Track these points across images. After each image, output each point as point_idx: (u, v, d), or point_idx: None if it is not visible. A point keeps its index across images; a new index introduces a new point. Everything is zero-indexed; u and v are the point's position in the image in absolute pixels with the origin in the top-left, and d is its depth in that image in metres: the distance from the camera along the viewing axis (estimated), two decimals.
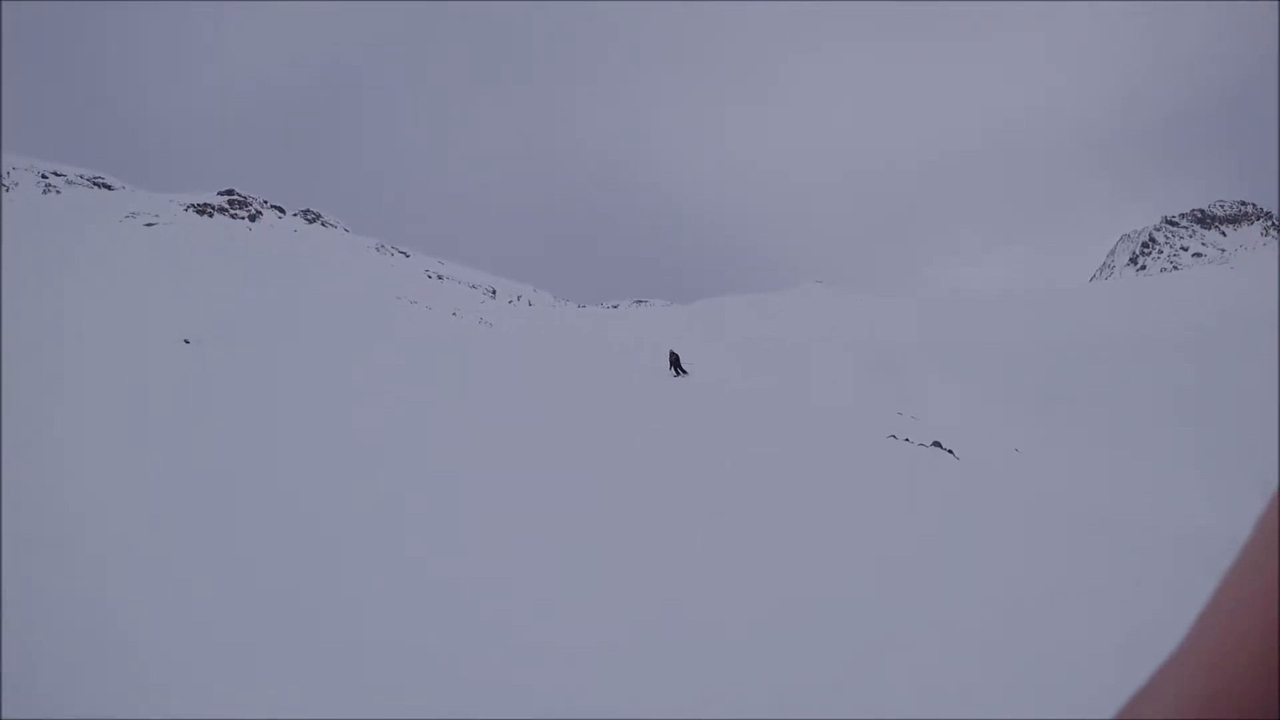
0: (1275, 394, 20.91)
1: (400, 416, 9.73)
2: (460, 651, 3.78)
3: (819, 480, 9.56)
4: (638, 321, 52.71)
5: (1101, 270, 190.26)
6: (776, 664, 4.00)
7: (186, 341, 13.14)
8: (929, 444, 14.75)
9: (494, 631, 4.07)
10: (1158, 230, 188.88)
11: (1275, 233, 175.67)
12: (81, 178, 73.20)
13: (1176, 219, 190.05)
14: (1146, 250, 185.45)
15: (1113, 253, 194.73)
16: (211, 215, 69.98)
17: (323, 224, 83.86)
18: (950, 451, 14.20)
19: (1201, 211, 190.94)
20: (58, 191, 68.14)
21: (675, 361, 23.68)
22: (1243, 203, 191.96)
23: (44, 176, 70.22)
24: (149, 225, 55.88)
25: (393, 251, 79.08)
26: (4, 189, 62.27)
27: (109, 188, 73.67)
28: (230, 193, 76.76)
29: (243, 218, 73.44)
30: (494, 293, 73.49)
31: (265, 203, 79.87)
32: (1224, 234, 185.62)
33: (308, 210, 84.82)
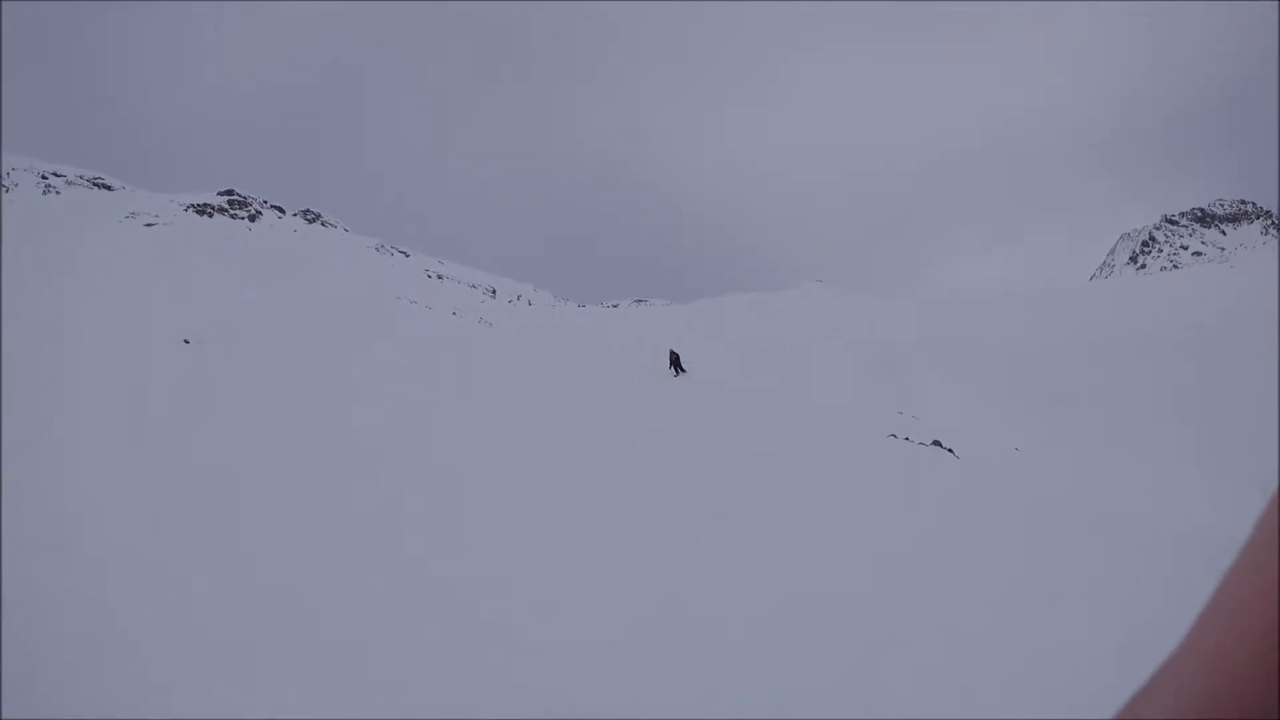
0: (1275, 393, 20.91)
1: (400, 416, 9.73)
2: (460, 651, 3.78)
3: (819, 480, 9.56)
4: (638, 321, 52.72)
5: (1101, 269, 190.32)
6: (776, 664, 4.00)
7: (186, 341, 13.14)
8: (929, 443, 14.75)
9: (494, 631, 4.07)
10: (1158, 229, 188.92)
11: (1275, 231, 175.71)
12: (81, 178, 73.22)
13: (1176, 218, 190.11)
14: (1146, 249, 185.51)
15: (1113, 251, 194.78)
16: (211, 215, 70.00)
17: (323, 224, 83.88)
18: (950, 450, 14.20)
19: (1201, 210, 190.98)
20: (57, 192, 68.14)
21: (675, 361, 23.71)
22: (1243, 201, 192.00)
23: (44, 177, 70.23)
24: (149, 225, 55.89)
25: (393, 251, 79.10)
26: (4, 189, 62.26)
27: (109, 188, 73.68)
28: (230, 193, 76.79)
29: (242, 218, 73.46)
30: (494, 292, 73.51)
31: (265, 203, 79.90)
32: (1224, 233, 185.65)
33: (308, 210, 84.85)
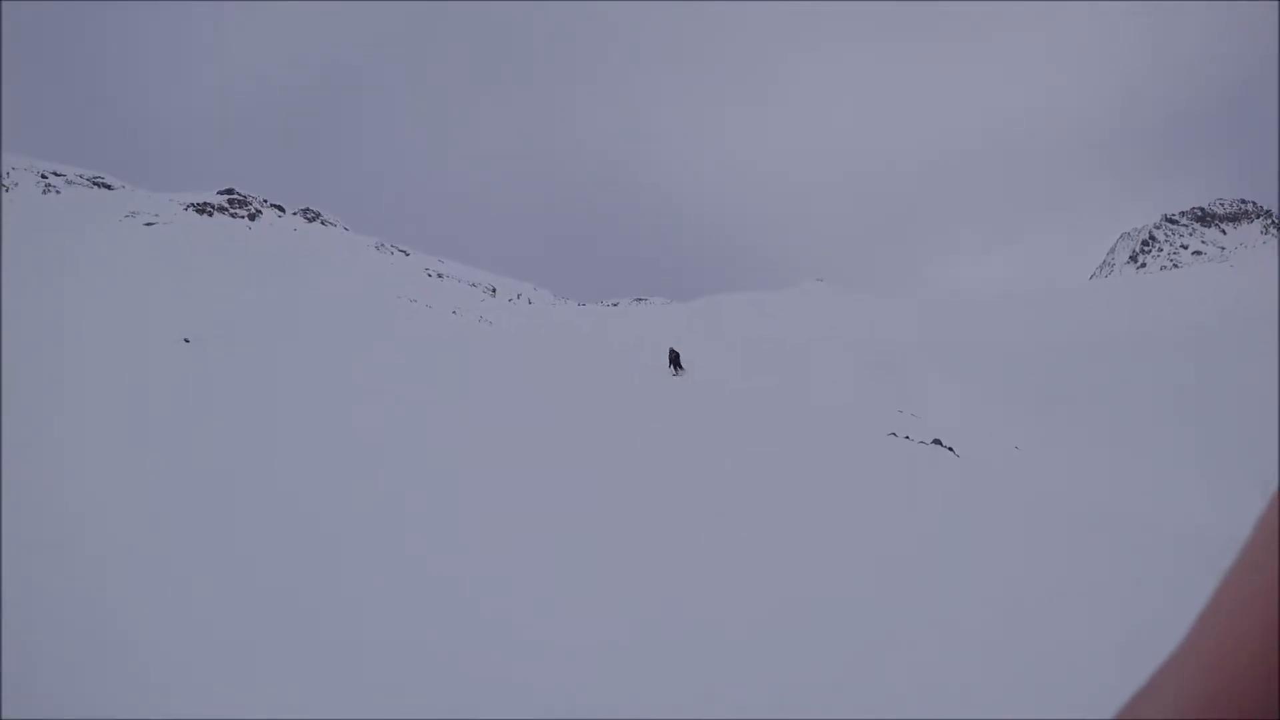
0: (1275, 393, 20.91)
1: (400, 416, 9.72)
2: (460, 651, 3.78)
3: (819, 480, 9.56)
4: (638, 320, 52.71)
5: (1102, 268, 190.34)
6: (776, 664, 4.00)
7: (187, 341, 13.14)
8: (929, 442, 14.76)
9: (494, 631, 4.07)
10: (1158, 228, 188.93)
11: (1275, 231, 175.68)
12: (81, 177, 73.22)
13: (1176, 217, 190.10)
14: (1147, 248, 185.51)
15: (1113, 251, 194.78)
16: (211, 214, 70.01)
17: (322, 223, 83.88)
18: (950, 449, 14.20)
19: (1201, 209, 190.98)
20: (57, 191, 68.13)
21: (675, 359, 23.72)
22: (1243, 201, 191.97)
23: (44, 176, 70.23)
24: (149, 225, 55.91)
25: (393, 250, 79.11)
26: (4, 189, 62.26)
27: (109, 187, 73.68)
28: (230, 192, 76.79)
29: (242, 217, 73.46)
30: (494, 291, 73.52)
31: (265, 202, 79.89)
32: (1224, 232, 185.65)
33: (307, 209, 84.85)
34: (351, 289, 37.96)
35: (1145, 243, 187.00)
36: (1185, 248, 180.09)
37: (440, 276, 70.44)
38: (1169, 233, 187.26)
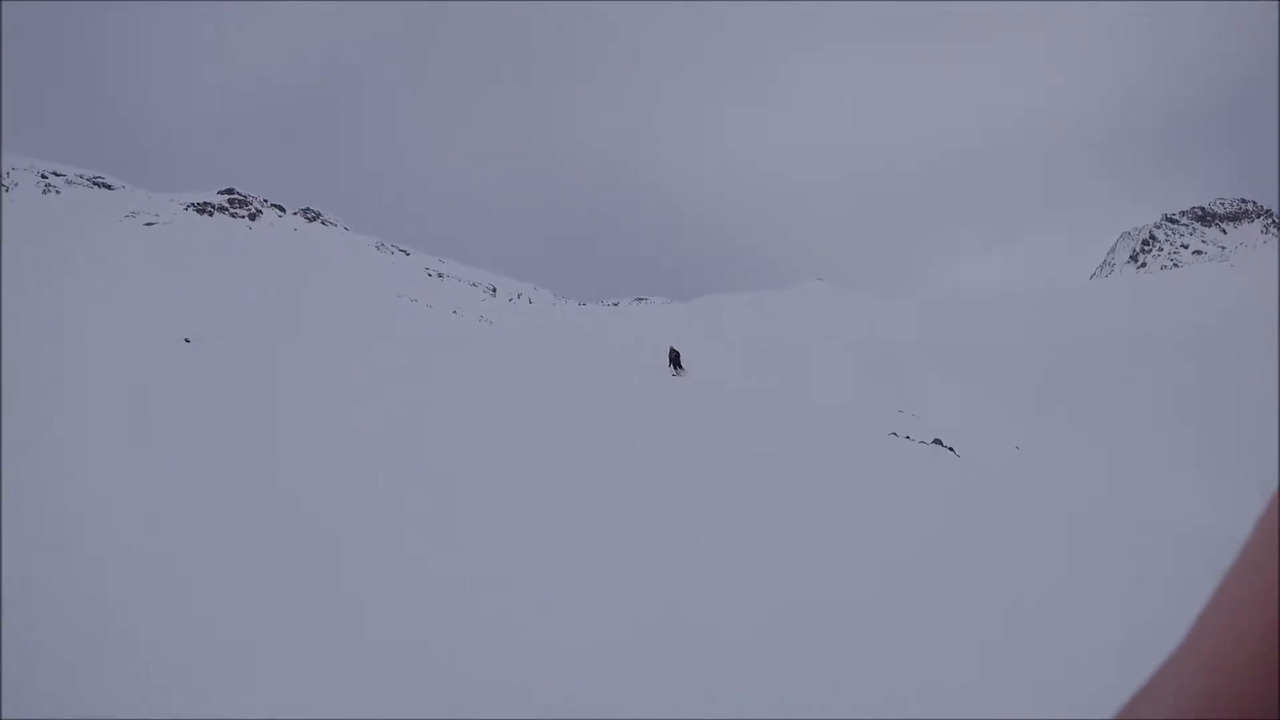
0: (1275, 393, 20.90)
1: (400, 416, 9.73)
2: (460, 651, 3.78)
3: (819, 480, 9.56)
4: (638, 319, 52.72)
5: (1102, 268, 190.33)
6: (776, 664, 4.00)
7: (187, 341, 13.14)
8: (929, 441, 14.76)
9: (494, 631, 4.07)
10: (1158, 228, 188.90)
11: (1275, 230, 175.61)
12: (81, 178, 73.22)
13: (1177, 216, 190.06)
14: (1147, 247, 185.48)
15: (1113, 250, 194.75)
16: (211, 214, 70.02)
17: (323, 223, 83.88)
18: (950, 449, 14.20)
19: (1202, 209, 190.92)
20: (57, 191, 68.13)
21: (675, 359, 23.71)
22: (1243, 200, 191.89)
23: (44, 176, 70.24)
24: (149, 225, 55.94)
25: (393, 250, 79.10)
26: (4, 189, 62.27)
27: (109, 187, 73.67)
28: (230, 192, 76.79)
29: (243, 217, 73.46)
30: (494, 291, 73.53)
31: (265, 201, 79.90)
32: (1224, 231, 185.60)
33: (308, 209, 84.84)
34: (352, 289, 37.97)
35: (1146, 242, 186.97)
36: (1186, 247, 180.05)
37: (440, 276, 70.44)
38: (1169, 232, 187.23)
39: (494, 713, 3.27)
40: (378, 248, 77.68)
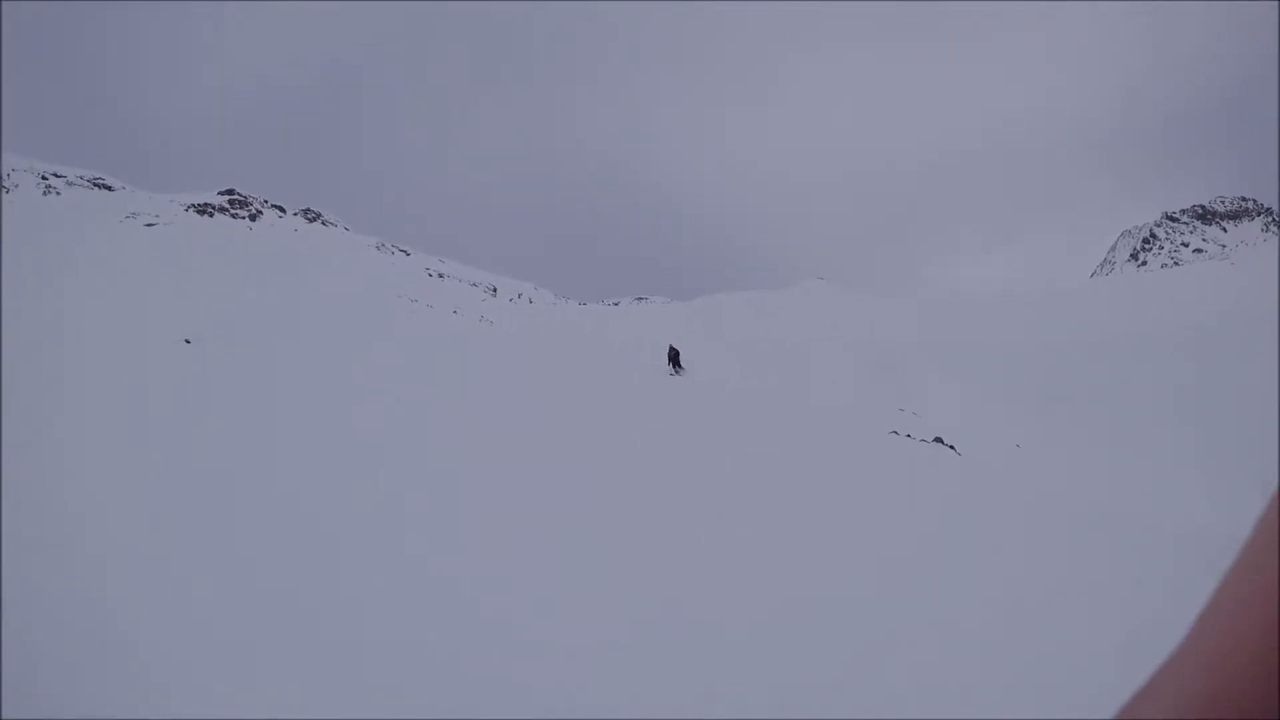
0: (1276, 393, 20.90)
1: (400, 416, 9.73)
2: (460, 651, 3.78)
3: (819, 480, 9.56)
4: (638, 319, 52.69)
5: (1102, 266, 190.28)
6: (776, 664, 4.00)
7: (187, 341, 13.14)
8: (930, 440, 14.76)
9: (494, 631, 4.07)
10: (1158, 226, 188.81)
11: (1276, 228, 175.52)
12: (81, 179, 73.23)
13: (1177, 215, 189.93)
14: (1147, 246, 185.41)
15: (1113, 249, 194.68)
16: (212, 215, 70.02)
17: (323, 223, 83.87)
18: (952, 447, 14.20)
19: (1202, 207, 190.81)
20: (57, 193, 68.14)
21: (674, 358, 23.66)
22: (1243, 198, 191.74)
23: (44, 178, 70.24)
24: (149, 225, 55.95)
25: (393, 250, 79.10)
26: (4, 190, 62.27)
27: (109, 188, 73.68)
28: (230, 192, 76.80)
29: (243, 217, 73.47)
30: (495, 291, 73.51)
31: (265, 202, 79.90)
32: (1224, 229, 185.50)
33: (308, 209, 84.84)
34: (352, 289, 37.97)
35: (1146, 240, 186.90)
36: (1186, 245, 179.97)
37: (441, 276, 70.44)
38: (1170, 230, 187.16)
39: (494, 713, 3.27)
40: (378, 248, 77.67)
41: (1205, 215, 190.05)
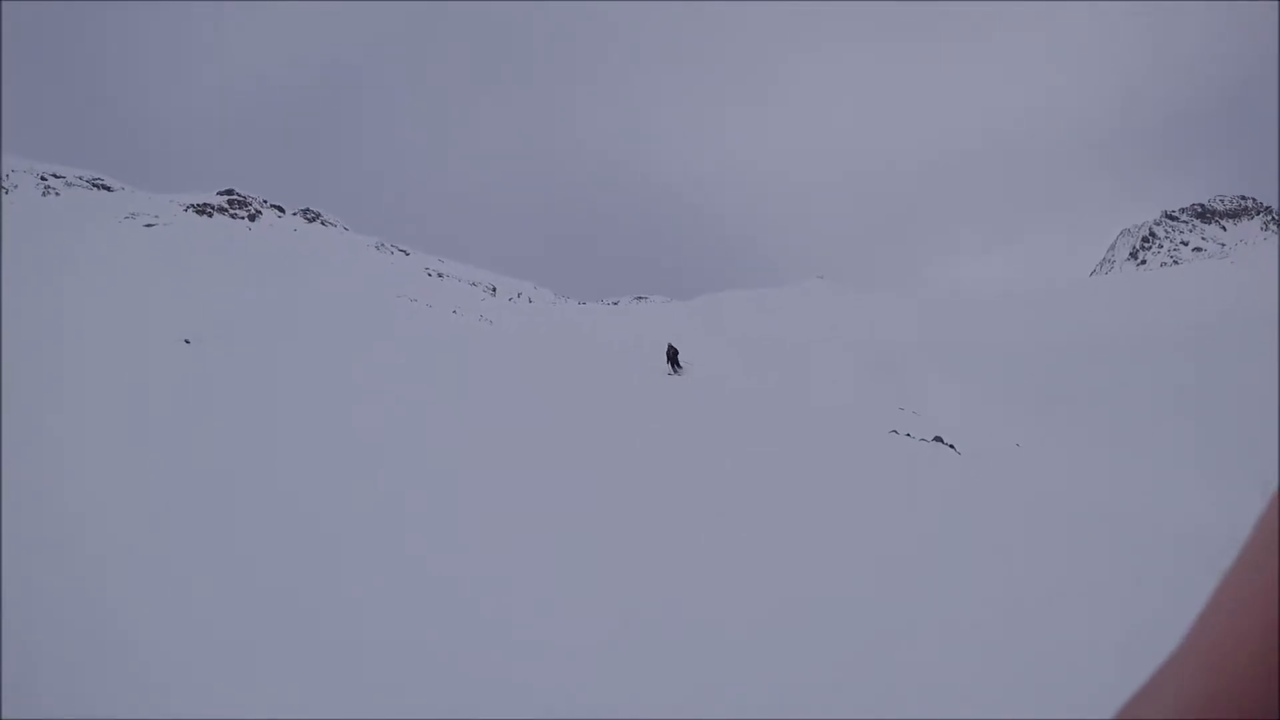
0: (1276, 393, 20.90)
1: (400, 416, 9.73)
2: (460, 651, 3.78)
3: (819, 480, 9.56)
4: (638, 318, 52.64)
5: (1102, 265, 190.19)
6: (776, 664, 4.00)
7: (187, 341, 13.14)
8: (930, 439, 14.77)
9: (494, 631, 4.07)
10: (1158, 225, 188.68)
11: (1275, 227, 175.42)
12: (81, 179, 73.17)
13: (1176, 213, 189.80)
14: (1147, 245, 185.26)
15: (1113, 247, 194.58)
16: (211, 215, 69.97)
17: (322, 223, 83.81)
18: (952, 446, 14.20)
19: (1201, 206, 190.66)
20: (57, 193, 68.09)
21: (673, 357, 23.54)
22: (1243, 197, 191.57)
23: (43, 179, 70.17)
24: (149, 226, 55.92)
25: (393, 250, 79.04)
26: (4, 191, 62.26)
27: (108, 189, 73.64)
28: (230, 192, 76.74)
29: (242, 217, 73.42)
30: (494, 290, 73.45)
31: (265, 202, 79.83)
32: (1224, 228, 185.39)
33: (307, 209, 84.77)
34: (351, 289, 37.96)
35: (1145, 239, 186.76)
36: (1185, 244, 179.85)
37: (440, 276, 70.39)
38: (1169, 229, 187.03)
39: (494, 713, 3.27)
40: (377, 248, 77.61)
41: (1205, 214, 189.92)
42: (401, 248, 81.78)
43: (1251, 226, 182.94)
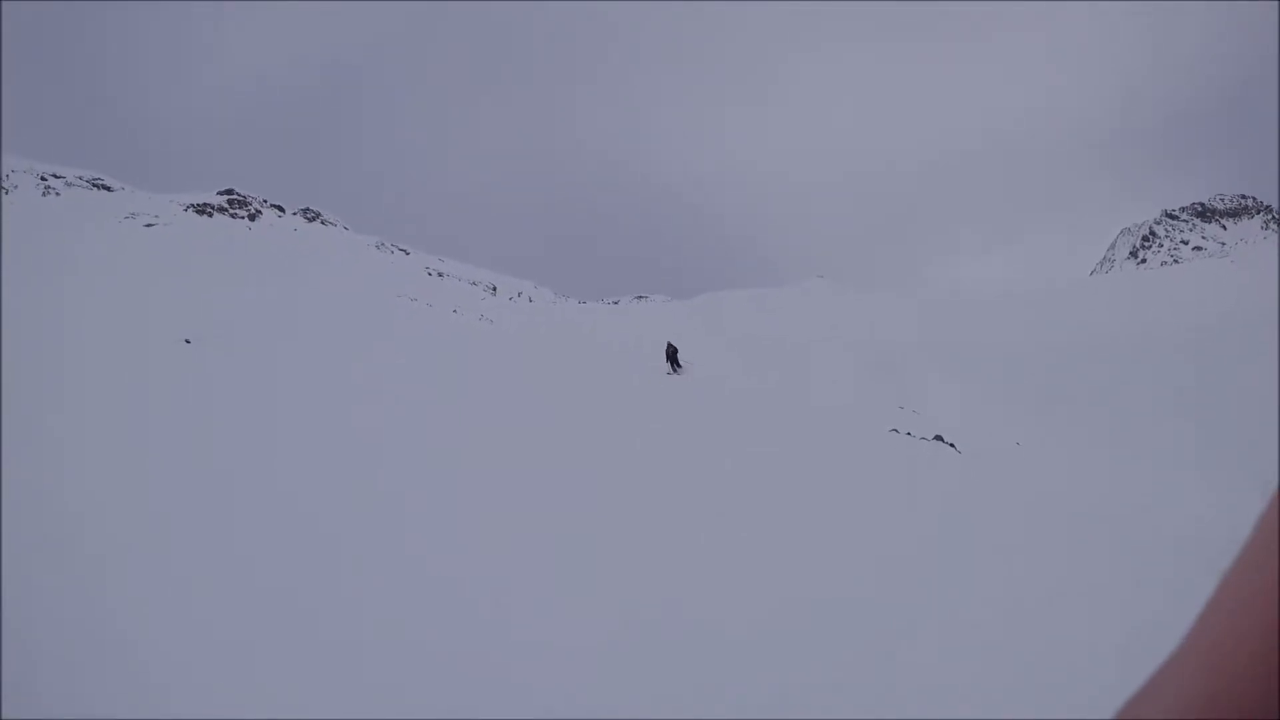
0: (1275, 393, 20.90)
1: (400, 416, 9.73)
2: (460, 651, 3.78)
3: (819, 480, 9.56)
4: (638, 317, 52.62)
5: (1102, 264, 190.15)
6: (776, 664, 4.00)
7: (187, 341, 13.14)
8: (931, 438, 14.76)
9: (493, 631, 4.07)
10: (1158, 224, 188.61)
11: (1275, 226, 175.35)
12: (80, 179, 73.16)
13: (1177, 212, 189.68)
14: (1147, 244, 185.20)
15: (1113, 246, 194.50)
16: (211, 215, 69.96)
17: (322, 223, 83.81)
18: (952, 445, 14.20)
19: (1202, 205, 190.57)
20: (57, 194, 68.08)
21: (672, 356, 23.47)
22: (1243, 196, 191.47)
23: (43, 179, 70.16)
24: (149, 226, 55.92)
25: (393, 249, 79.02)
26: (4, 191, 62.25)
27: (108, 189, 73.63)
28: (230, 192, 76.76)
29: (242, 217, 73.41)
30: (494, 290, 73.44)
31: (265, 202, 79.82)
32: (1224, 227, 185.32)
33: (307, 209, 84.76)
34: (351, 288, 37.96)
35: (1146, 238, 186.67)
36: (1186, 243, 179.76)
37: (441, 275, 70.36)
38: (1169, 228, 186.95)
39: (494, 713, 3.27)
40: (378, 247, 77.59)
41: (1205, 213, 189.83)
42: (402, 247, 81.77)
43: (1252, 225, 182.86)
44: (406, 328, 23.56)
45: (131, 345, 11.83)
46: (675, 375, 22.53)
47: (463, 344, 21.49)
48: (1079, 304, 43.10)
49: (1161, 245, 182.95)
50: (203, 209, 70.83)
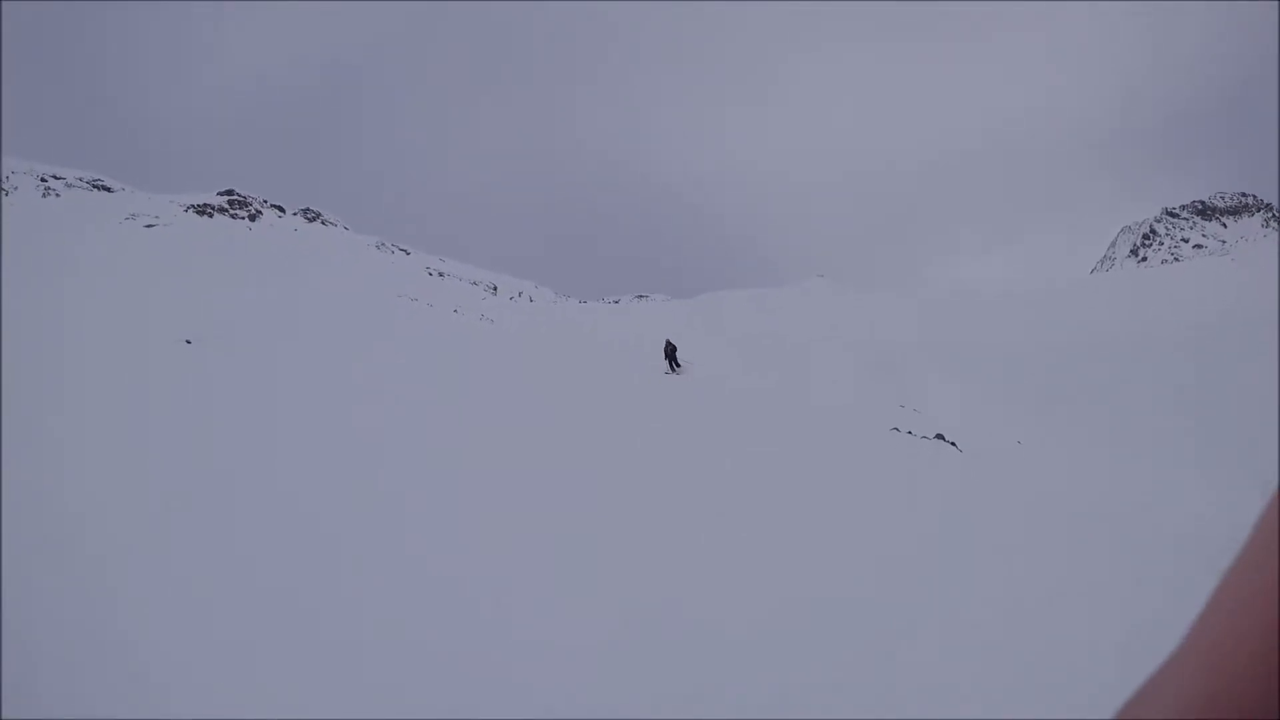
0: (1276, 392, 20.90)
1: (400, 416, 9.73)
2: (460, 651, 3.78)
3: (820, 480, 9.56)
4: (639, 317, 52.60)
5: (1103, 262, 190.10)
6: (776, 664, 4.00)
7: (188, 342, 13.14)
8: (931, 437, 14.76)
9: (494, 631, 4.07)
10: (1158, 222, 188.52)
11: (1276, 224, 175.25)
12: (80, 180, 73.20)
13: (1177, 210, 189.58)
14: (1147, 242, 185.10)
15: (1113, 244, 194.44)
16: (211, 215, 70.00)
17: (323, 223, 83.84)
18: (953, 444, 14.20)
19: (1202, 203, 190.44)
20: (57, 195, 68.11)
21: (671, 355, 23.41)
22: (1243, 194, 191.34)
23: (43, 180, 70.20)
24: (149, 226, 55.95)
25: (393, 249, 79.06)
26: (4, 193, 62.27)
27: (108, 189, 73.67)
28: (230, 193, 76.80)
29: (243, 217, 73.44)
30: (495, 289, 73.47)
31: (265, 202, 79.86)
32: (1224, 225, 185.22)
33: (308, 209, 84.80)
34: (352, 288, 37.97)
35: (1146, 236, 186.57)
36: (1186, 241, 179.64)
37: (441, 275, 70.39)
38: (1169, 226, 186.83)
39: (494, 713, 3.27)
40: (378, 247, 77.62)
41: (1205, 211, 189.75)
42: (402, 247, 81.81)
43: (1252, 224, 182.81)
44: (407, 328, 23.56)
45: (132, 346, 11.84)
46: (675, 375, 22.50)
47: (463, 344, 21.49)
48: (1079, 303, 43.08)
49: (1162, 243, 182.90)
50: (203, 209, 70.86)
